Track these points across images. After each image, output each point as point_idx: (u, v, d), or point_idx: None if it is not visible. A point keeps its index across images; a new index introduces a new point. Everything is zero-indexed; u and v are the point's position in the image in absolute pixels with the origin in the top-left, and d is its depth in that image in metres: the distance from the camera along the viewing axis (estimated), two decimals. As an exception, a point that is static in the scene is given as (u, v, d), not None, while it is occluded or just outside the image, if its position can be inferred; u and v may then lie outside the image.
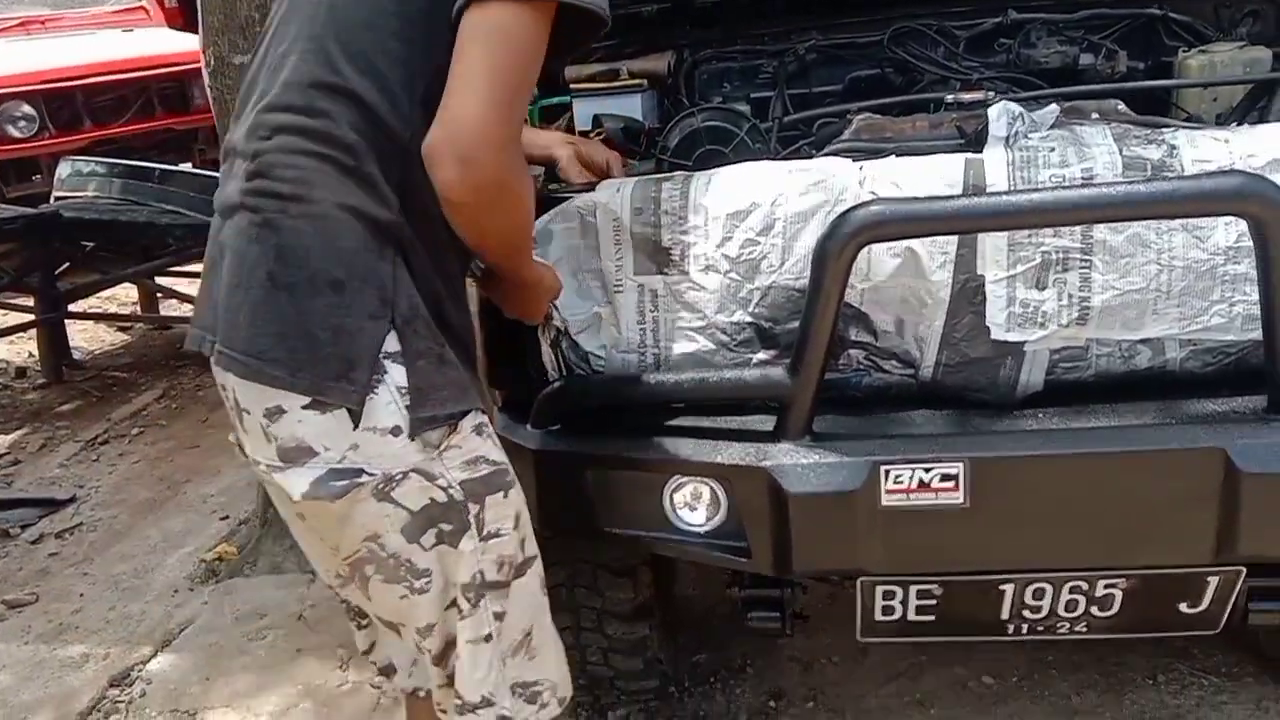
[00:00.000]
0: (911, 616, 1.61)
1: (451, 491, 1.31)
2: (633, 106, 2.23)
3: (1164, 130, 1.53)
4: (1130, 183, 1.35)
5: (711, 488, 1.56)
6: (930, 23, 2.35)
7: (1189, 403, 1.48)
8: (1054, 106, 1.58)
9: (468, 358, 1.39)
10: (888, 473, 1.44)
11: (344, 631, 2.59)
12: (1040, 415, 1.48)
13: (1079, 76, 2.20)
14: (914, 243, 1.49)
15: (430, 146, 1.20)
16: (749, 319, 1.59)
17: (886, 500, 1.45)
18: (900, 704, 2.26)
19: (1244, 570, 1.51)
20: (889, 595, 1.59)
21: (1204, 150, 1.48)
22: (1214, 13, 2.37)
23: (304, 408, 1.24)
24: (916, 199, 1.41)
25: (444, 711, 1.49)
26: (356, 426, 1.24)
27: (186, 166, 5.25)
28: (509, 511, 1.38)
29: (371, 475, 1.26)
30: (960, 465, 1.43)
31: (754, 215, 1.55)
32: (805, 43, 2.37)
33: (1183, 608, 1.56)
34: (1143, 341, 1.50)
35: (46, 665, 2.65)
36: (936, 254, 1.50)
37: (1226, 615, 1.56)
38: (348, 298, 1.23)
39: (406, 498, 1.29)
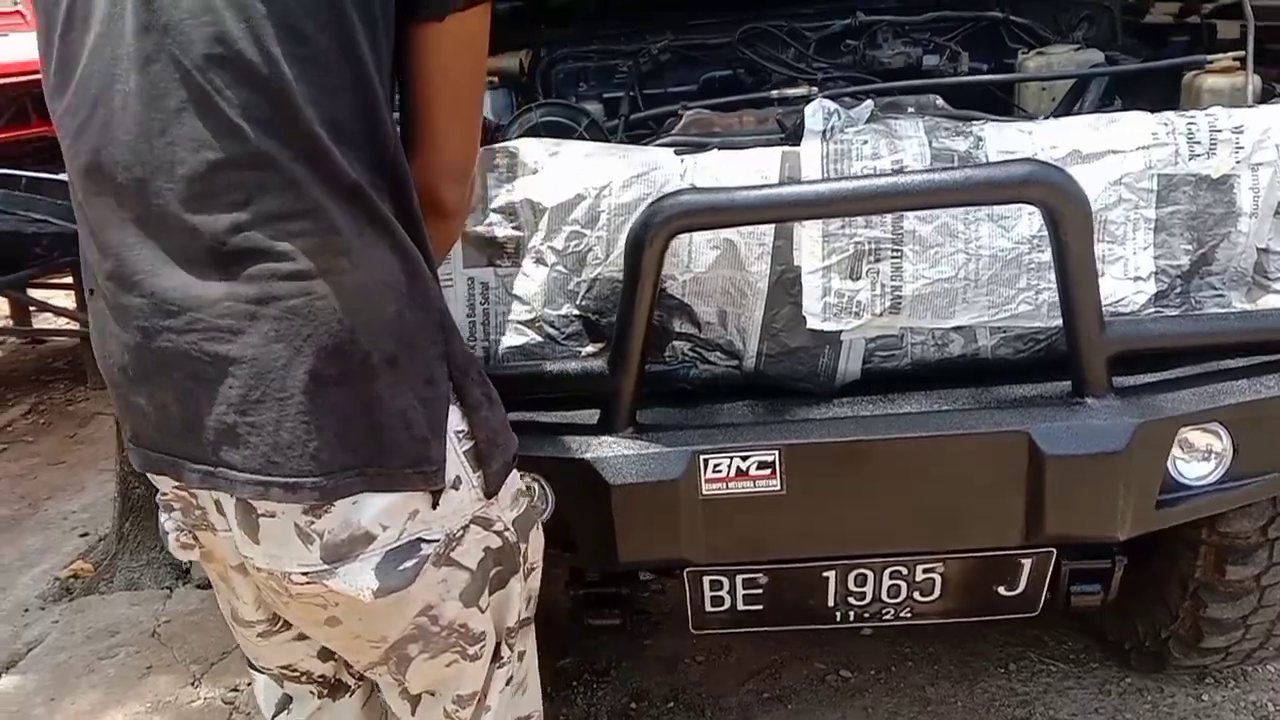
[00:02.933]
0: (740, 606, 1.62)
1: (507, 534, 1.20)
2: (502, 101, 2.23)
3: (973, 123, 1.57)
4: (926, 171, 1.37)
5: (540, 483, 1.54)
6: (781, 24, 2.39)
7: (1000, 389, 1.51)
8: (869, 102, 1.62)
9: None
10: (707, 462, 1.45)
11: (199, 647, 2.53)
12: (854, 403, 1.50)
13: (923, 76, 2.27)
14: (731, 234, 1.50)
15: (432, 177, 1.13)
16: (576, 312, 1.58)
17: (707, 490, 1.46)
18: (759, 700, 2.27)
19: (1054, 552, 1.55)
20: (716, 585, 1.60)
21: (1009, 141, 1.52)
22: (1053, 17, 2.45)
23: None
24: (723, 189, 1.42)
25: None
26: (437, 505, 1.10)
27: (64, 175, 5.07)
28: (540, 544, 1.31)
29: (432, 541, 1.11)
30: (775, 453, 1.44)
31: (579, 208, 1.55)
32: (658, 43, 2.39)
33: (1001, 590, 1.60)
34: (955, 329, 1.53)
35: (-117, 692, 2.53)
36: (754, 245, 1.51)
37: (1044, 597, 1.60)
38: (404, 370, 1.05)
39: (466, 555, 1.15)
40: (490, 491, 1.15)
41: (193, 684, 2.41)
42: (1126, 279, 1.52)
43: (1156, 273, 1.52)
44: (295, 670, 1.36)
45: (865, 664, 2.34)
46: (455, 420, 1.11)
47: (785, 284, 1.52)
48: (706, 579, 1.58)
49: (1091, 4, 2.43)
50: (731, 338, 1.56)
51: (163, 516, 1.26)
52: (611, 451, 1.46)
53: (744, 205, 1.35)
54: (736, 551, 1.52)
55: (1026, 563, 1.55)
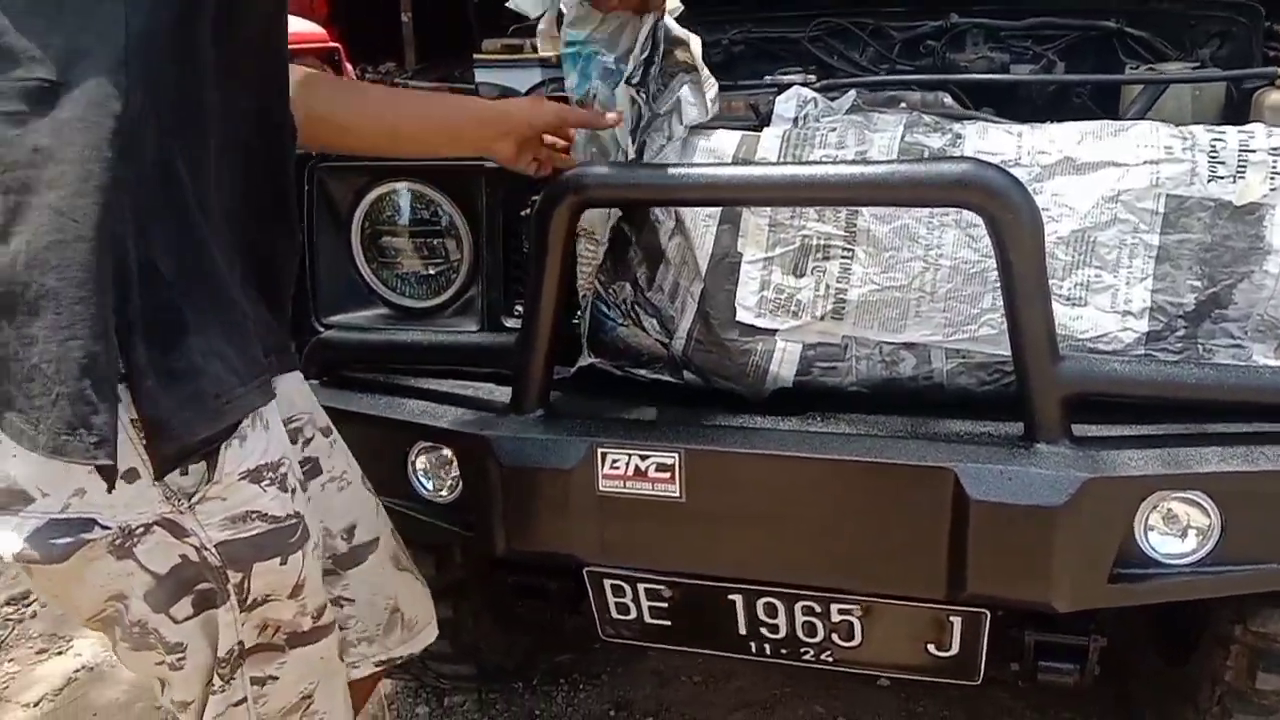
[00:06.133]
0: (648, 619, 1.51)
1: (206, 554, 1.03)
2: (531, 79, 2.19)
3: (959, 122, 1.39)
4: (845, 164, 1.23)
5: (452, 457, 1.49)
6: (867, 22, 2.24)
7: (945, 422, 1.34)
8: (853, 93, 1.47)
9: (242, 341, 1.04)
10: (605, 456, 1.35)
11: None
12: (771, 415, 1.36)
13: (1013, 85, 2.06)
14: (684, 211, 1.40)
15: None
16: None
17: (604, 485, 1.36)
18: (742, 732, 2.13)
19: (987, 614, 1.35)
20: (619, 591, 1.49)
21: (991, 143, 1.35)
22: (1178, 32, 2.17)
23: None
24: (626, 165, 1.32)
25: None
26: (113, 488, 0.97)
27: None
28: (287, 580, 1.10)
29: (106, 529, 0.99)
30: (675, 455, 1.32)
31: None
32: (730, 35, 2.29)
33: (931, 649, 1.41)
34: (906, 347, 1.36)
35: (-37, 580, 2.78)
36: (700, 223, 1.40)
37: (982, 663, 1.41)
38: (67, 312, 0.91)
39: (151, 557, 1.02)
40: (156, 476, 0.98)
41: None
42: (1113, 312, 1.31)
43: (1152, 309, 1.30)
44: None
45: (867, 715, 2.15)
46: (131, 407, 0.96)
47: (725, 270, 1.40)
48: (608, 582, 1.48)
49: (1227, 19, 2.14)
50: (673, 312, 1.45)
51: None
52: (509, 431, 1.39)
53: (643, 184, 1.27)
54: (632, 556, 1.41)
55: (955, 621, 1.36)
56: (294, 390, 1.24)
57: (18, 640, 2.52)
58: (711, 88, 1.46)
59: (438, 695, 2.26)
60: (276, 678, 1.14)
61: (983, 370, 1.36)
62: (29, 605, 2.64)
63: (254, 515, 1.05)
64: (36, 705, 2.31)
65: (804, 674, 2.27)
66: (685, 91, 1.43)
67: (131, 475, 0.98)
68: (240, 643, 1.10)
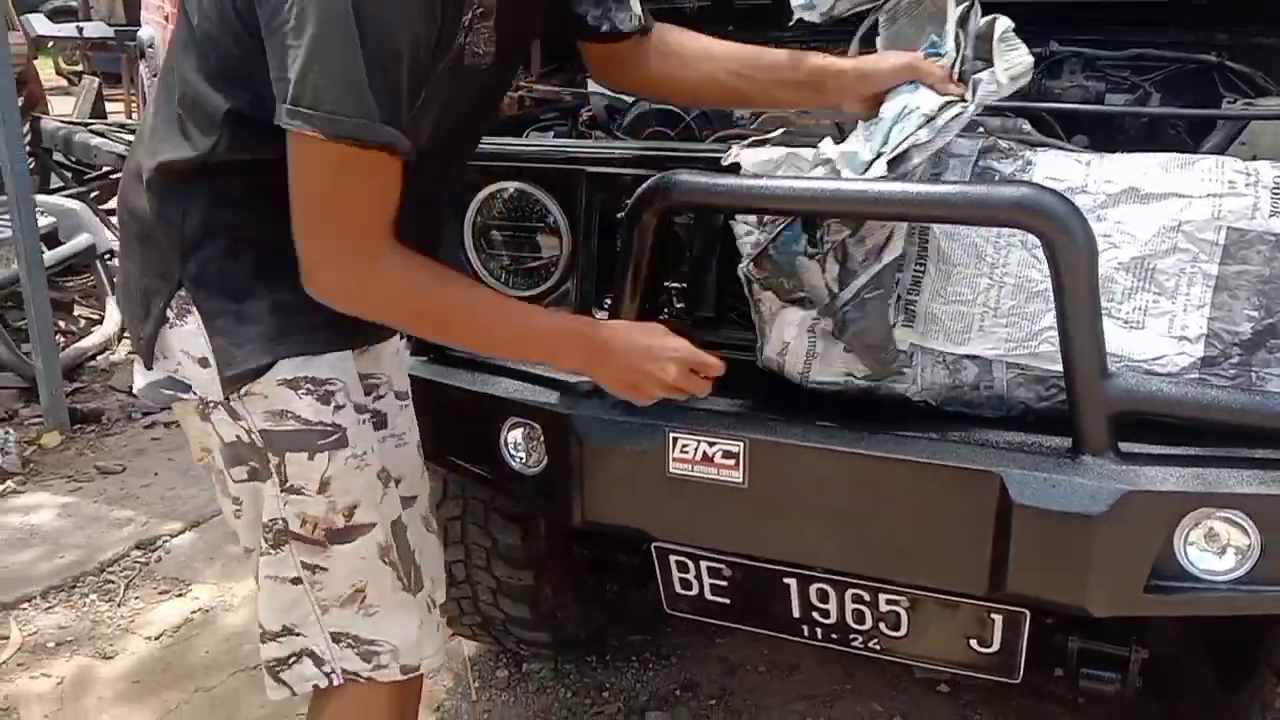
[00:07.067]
0: (709, 595, 1.62)
1: (253, 435, 1.30)
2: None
3: (1030, 149, 1.47)
4: (915, 183, 1.32)
5: (540, 431, 1.63)
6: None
7: (999, 432, 1.41)
8: (935, 113, 1.55)
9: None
10: (675, 440, 1.47)
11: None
12: (837, 413, 1.46)
13: (1108, 115, 2.10)
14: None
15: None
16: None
17: (674, 468, 1.47)
18: (800, 722, 2.22)
19: (1026, 614, 1.42)
20: (683, 567, 1.60)
21: (1060, 170, 1.42)
22: (1280, 67, 2.18)
23: None
24: (714, 174, 1.43)
25: None
26: (150, 368, 1.32)
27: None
28: (313, 474, 1.31)
29: (194, 395, 1.31)
30: (741, 444, 1.43)
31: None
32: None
33: (973, 645, 1.49)
34: (969, 358, 1.44)
35: (100, 522, 3.04)
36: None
37: (1021, 662, 1.48)
38: (147, 251, 1.31)
39: (220, 426, 1.31)
40: (226, 392, 1.28)
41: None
42: (1169, 336, 1.36)
43: (1208, 335, 1.35)
44: None
45: (926, 715, 2.22)
46: (198, 316, 1.28)
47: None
48: (673, 558, 1.60)
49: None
50: None
51: None
52: (591, 412, 1.52)
53: (724, 192, 1.37)
54: (696, 535, 1.53)
55: (996, 619, 1.44)
56: (385, 353, 1.49)
57: (144, 581, 2.77)
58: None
59: (516, 661, 2.40)
60: (326, 569, 1.35)
61: (1040, 384, 1.43)
62: (154, 550, 2.89)
63: (288, 415, 1.30)
64: (156, 639, 2.54)
65: (864, 672, 2.35)
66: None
67: (205, 363, 1.28)
68: (284, 519, 1.33)
